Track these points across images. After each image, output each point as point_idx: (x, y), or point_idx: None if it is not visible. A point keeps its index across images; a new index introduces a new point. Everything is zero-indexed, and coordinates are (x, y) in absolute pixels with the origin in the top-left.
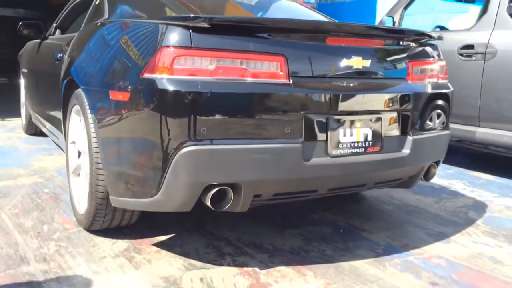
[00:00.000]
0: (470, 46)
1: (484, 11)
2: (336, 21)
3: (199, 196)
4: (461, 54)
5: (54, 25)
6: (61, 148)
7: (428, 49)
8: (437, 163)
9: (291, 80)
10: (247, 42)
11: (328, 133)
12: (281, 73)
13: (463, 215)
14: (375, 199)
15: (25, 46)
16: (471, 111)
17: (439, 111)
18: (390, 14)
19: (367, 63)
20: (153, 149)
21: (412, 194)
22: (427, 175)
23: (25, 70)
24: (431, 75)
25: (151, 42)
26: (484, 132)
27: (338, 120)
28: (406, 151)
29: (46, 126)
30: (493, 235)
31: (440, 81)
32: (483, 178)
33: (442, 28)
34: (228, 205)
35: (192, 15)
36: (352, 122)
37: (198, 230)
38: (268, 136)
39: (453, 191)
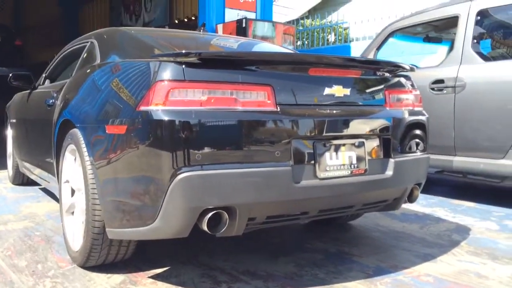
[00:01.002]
0: (441, 81)
1: (451, 48)
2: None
3: (195, 221)
4: (432, 89)
5: (44, 75)
6: (51, 193)
7: (402, 79)
8: (419, 185)
9: (278, 108)
10: (236, 74)
11: (316, 156)
12: (268, 101)
13: (447, 237)
14: (362, 227)
15: (13, 98)
16: (447, 141)
17: (417, 135)
18: (363, 55)
19: (347, 91)
20: (151, 177)
21: (398, 222)
22: (411, 197)
23: (13, 120)
24: (406, 103)
25: (145, 78)
26: (460, 161)
27: (324, 145)
28: (389, 172)
29: (35, 173)
30: (477, 254)
31: (416, 108)
32: (464, 205)
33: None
34: (224, 229)
35: (184, 51)
36: (337, 146)
37: (192, 262)
38: (260, 160)
39: (436, 217)
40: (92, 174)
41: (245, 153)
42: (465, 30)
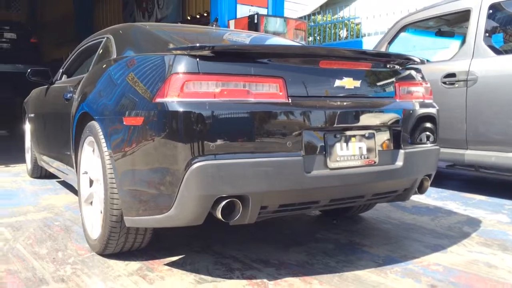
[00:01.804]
0: (452, 75)
1: (463, 42)
2: None
3: (209, 209)
4: (444, 83)
5: (61, 71)
6: (68, 186)
7: (413, 72)
8: (429, 176)
9: (290, 100)
10: (248, 67)
11: (327, 147)
12: (280, 93)
13: (457, 229)
14: (373, 219)
15: (31, 93)
16: (459, 135)
17: (427, 127)
18: (375, 49)
19: (358, 83)
20: (167, 166)
21: (409, 214)
22: (421, 188)
23: (32, 115)
24: (417, 95)
25: (160, 71)
26: (472, 154)
27: (335, 136)
28: (399, 163)
29: (54, 165)
30: (487, 245)
31: (426, 100)
32: (475, 199)
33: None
34: (237, 217)
35: (198, 45)
36: (347, 137)
37: (206, 251)
38: (272, 150)
39: (447, 210)
40: (110, 164)
41: (257, 144)
42: (477, 24)
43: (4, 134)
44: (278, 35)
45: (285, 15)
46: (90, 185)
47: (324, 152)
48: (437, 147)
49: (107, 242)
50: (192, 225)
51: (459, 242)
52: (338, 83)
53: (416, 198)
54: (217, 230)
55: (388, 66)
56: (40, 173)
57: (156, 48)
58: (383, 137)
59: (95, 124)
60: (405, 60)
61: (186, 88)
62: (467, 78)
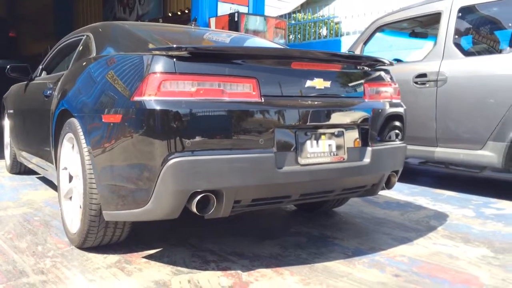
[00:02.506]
0: (424, 75)
1: (434, 43)
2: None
3: (185, 203)
4: (416, 82)
5: (40, 67)
6: (48, 181)
7: (382, 73)
8: (396, 172)
9: (263, 99)
10: (223, 67)
11: (298, 144)
12: (253, 93)
13: (425, 223)
14: (346, 214)
15: (10, 89)
16: (429, 133)
17: (394, 125)
18: (351, 50)
19: (328, 84)
20: (144, 162)
21: (380, 209)
22: (388, 184)
23: (11, 111)
24: (385, 95)
25: (138, 70)
26: (442, 151)
27: (306, 133)
28: (367, 160)
29: (33, 161)
30: (451, 237)
31: (394, 100)
32: (445, 194)
33: (399, 60)
34: (212, 211)
35: (175, 45)
36: (318, 135)
37: (183, 244)
38: (245, 147)
39: (417, 205)
40: (89, 160)
41: (231, 141)
42: (447, 26)
43: None
44: (258, 34)
45: (267, 12)
46: (70, 181)
47: (295, 149)
48: (403, 144)
49: (86, 236)
50: (168, 219)
51: (425, 235)
52: (309, 83)
53: (388, 193)
54: (193, 224)
55: (357, 67)
56: (20, 169)
57: (135, 48)
58: (352, 135)
59: (74, 121)
60: (374, 62)
61: (163, 87)
62: (437, 79)
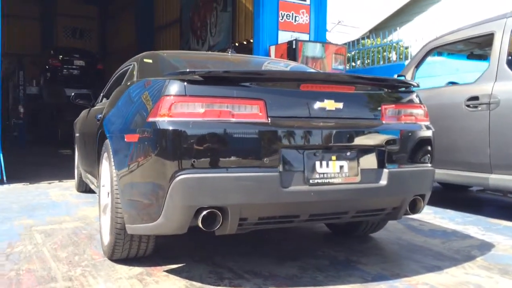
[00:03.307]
0: (475, 98)
1: (488, 65)
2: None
3: (191, 218)
4: (468, 105)
5: (101, 94)
6: None
7: (404, 94)
8: (422, 197)
9: (269, 120)
10: (232, 90)
11: (305, 164)
12: (260, 114)
13: (465, 253)
14: (382, 240)
15: (80, 115)
16: (482, 158)
17: (418, 148)
18: (401, 74)
19: (340, 105)
20: (156, 179)
21: (421, 236)
22: (413, 208)
23: (77, 135)
24: (407, 117)
25: (156, 94)
26: (496, 178)
27: (314, 154)
28: (383, 182)
29: (91, 180)
30: (488, 268)
31: (419, 122)
32: (500, 224)
33: (454, 83)
34: (218, 227)
35: (187, 70)
36: (327, 155)
37: (205, 261)
38: (250, 166)
39: (464, 234)
40: (115, 177)
41: (237, 160)
42: (500, 47)
43: (69, 153)
44: (316, 60)
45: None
46: (108, 197)
47: (302, 169)
48: (430, 168)
49: (113, 248)
50: (178, 234)
51: (460, 264)
52: (318, 104)
53: (437, 221)
54: (222, 243)
55: (373, 89)
56: (85, 187)
57: (166, 74)
58: (367, 156)
59: (107, 142)
60: (397, 84)
61: (174, 108)
62: (490, 101)
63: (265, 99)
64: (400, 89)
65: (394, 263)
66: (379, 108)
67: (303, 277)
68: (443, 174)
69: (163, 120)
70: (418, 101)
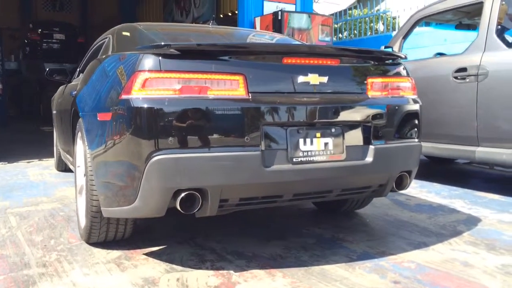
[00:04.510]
0: (464, 69)
1: (477, 35)
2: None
3: (169, 201)
4: (455, 77)
5: (78, 69)
6: None
7: (390, 67)
8: (409, 173)
9: (250, 96)
10: (209, 64)
11: (288, 142)
12: (240, 89)
13: (451, 228)
14: (368, 216)
15: (57, 91)
16: (469, 132)
17: (405, 123)
18: (389, 46)
19: (324, 79)
20: (131, 159)
21: (407, 212)
22: (400, 185)
23: (54, 112)
24: (394, 91)
25: (129, 69)
26: (483, 151)
27: (298, 131)
28: (369, 159)
29: (69, 160)
30: (475, 244)
31: (406, 96)
32: (487, 197)
33: (442, 54)
34: (197, 209)
35: (162, 43)
36: (312, 132)
37: (188, 242)
38: (229, 145)
39: (450, 209)
40: (89, 157)
41: (216, 138)
42: (490, 16)
43: (51, 130)
44: (302, 32)
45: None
46: (83, 177)
47: (285, 147)
48: (417, 143)
49: (90, 232)
50: (156, 217)
51: (446, 240)
52: (302, 79)
53: (423, 195)
54: (206, 223)
55: (359, 61)
56: (64, 166)
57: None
58: (352, 132)
59: (80, 120)
60: (383, 56)
61: (148, 85)
62: (478, 73)
63: (245, 73)
64: (386, 62)
65: (380, 240)
66: (365, 82)
67: (288, 257)
68: (430, 147)
69: (137, 98)
70: (405, 74)
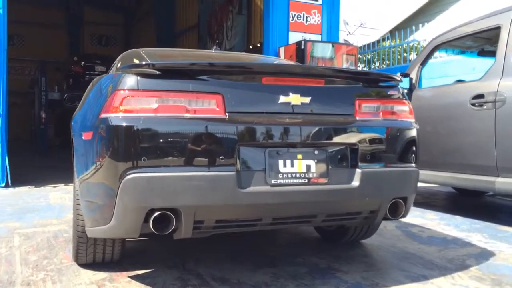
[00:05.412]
0: (481, 96)
1: (494, 61)
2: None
3: (142, 220)
4: (473, 104)
5: None
6: None
7: (384, 89)
8: (404, 200)
9: (227, 115)
10: (187, 84)
11: (267, 163)
12: (217, 109)
13: (459, 262)
14: (373, 246)
15: None
16: (488, 161)
17: (399, 147)
18: (407, 72)
19: (307, 100)
20: (106, 178)
21: (417, 244)
22: (395, 212)
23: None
24: (386, 114)
25: (113, 87)
26: (503, 182)
27: (277, 152)
28: (355, 183)
29: None
30: (480, 279)
31: (400, 119)
32: (509, 232)
33: (460, 81)
34: (171, 230)
35: (142, 63)
36: (292, 154)
37: (177, 267)
38: (204, 165)
39: (465, 242)
40: (76, 177)
41: (190, 158)
42: (507, 41)
43: None
44: (325, 61)
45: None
46: None
47: (264, 168)
48: (413, 168)
49: (77, 252)
50: (131, 238)
51: (450, 274)
52: (283, 99)
53: (440, 228)
54: (202, 248)
55: (346, 82)
56: None
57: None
58: (337, 155)
59: (73, 139)
60: (375, 77)
61: (125, 104)
62: (496, 99)
63: (223, 93)
64: (379, 84)
65: (377, 271)
66: (353, 103)
67: (272, 286)
68: (450, 177)
69: (115, 116)
70: (399, 97)
